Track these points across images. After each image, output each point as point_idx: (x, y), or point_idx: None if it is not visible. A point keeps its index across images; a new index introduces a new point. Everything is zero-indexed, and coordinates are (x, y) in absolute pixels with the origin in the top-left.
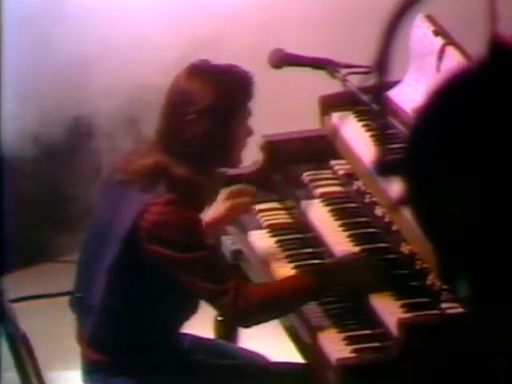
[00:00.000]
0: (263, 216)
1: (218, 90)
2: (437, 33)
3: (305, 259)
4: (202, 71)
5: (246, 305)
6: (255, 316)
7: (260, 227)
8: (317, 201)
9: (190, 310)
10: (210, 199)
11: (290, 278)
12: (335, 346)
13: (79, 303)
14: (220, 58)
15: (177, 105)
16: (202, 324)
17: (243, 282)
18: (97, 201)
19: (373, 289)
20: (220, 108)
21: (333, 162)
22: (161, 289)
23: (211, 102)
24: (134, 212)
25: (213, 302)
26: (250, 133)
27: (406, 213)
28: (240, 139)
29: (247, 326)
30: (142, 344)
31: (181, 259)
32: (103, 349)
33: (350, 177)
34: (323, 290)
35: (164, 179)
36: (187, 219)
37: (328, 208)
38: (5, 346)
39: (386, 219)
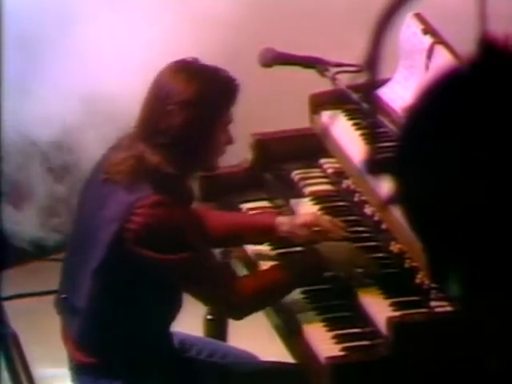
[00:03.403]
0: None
1: (199, 86)
2: (426, 31)
3: None
4: (187, 67)
5: (239, 299)
6: (248, 308)
7: None
8: (306, 199)
9: (175, 308)
10: (190, 199)
11: (276, 267)
12: (324, 344)
13: (65, 304)
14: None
15: (158, 96)
16: (191, 323)
17: (233, 276)
18: (79, 199)
19: (358, 275)
20: (199, 103)
21: (322, 161)
22: (147, 289)
23: (191, 95)
24: (121, 214)
25: (205, 299)
26: (230, 141)
27: (396, 211)
28: (217, 143)
29: (241, 318)
30: (129, 345)
31: (170, 261)
32: (90, 350)
33: (340, 175)
34: (310, 276)
35: (147, 177)
36: (175, 220)
37: (317, 207)
38: None
39: (376, 218)
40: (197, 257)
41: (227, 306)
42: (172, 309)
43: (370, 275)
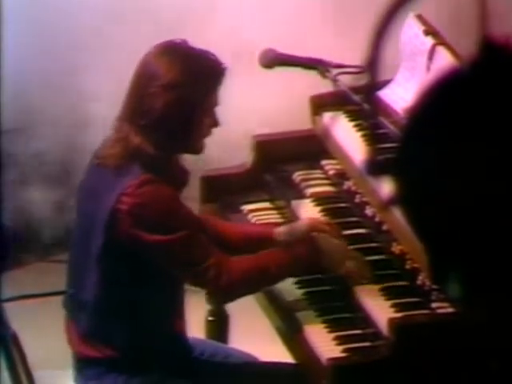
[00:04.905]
0: (254, 216)
1: (184, 68)
2: (427, 32)
3: None
4: (172, 50)
5: (229, 280)
6: (238, 290)
7: None
8: (308, 201)
9: (178, 297)
10: (182, 182)
11: (270, 251)
12: (326, 345)
13: (72, 299)
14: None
15: (142, 77)
16: (192, 324)
17: (224, 257)
18: (79, 191)
19: (351, 274)
20: (181, 86)
21: (324, 162)
22: (149, 275)
23: (175, 77)
24: (113, 197)
25: (196, 280)
26: (215, 124)
27: (397, 213)
28: (201, 125)
29: (231, 300)
30: (134, 337)
31: (161, 241)
32: (97, 343)
33: (341, 177)
34: (303, 264)
35: (136, 159)
36: (164, 197)
37: (319, 208)
38: None
39: (377, 219)
40: (186, 236)
41: (216, 286)
42: (174, 298)
43: (363, 275)
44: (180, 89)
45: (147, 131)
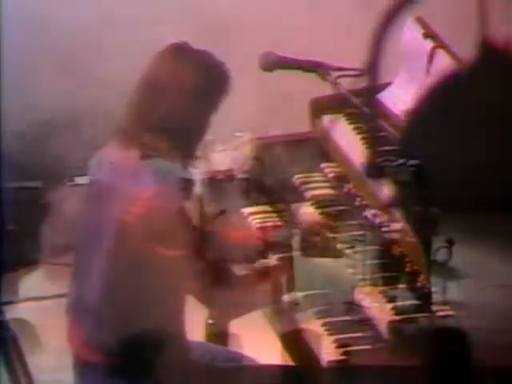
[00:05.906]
0: (254, 219)
1: (202, 72)
2: (427, 35)
3: None
4: (185, 52)
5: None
6: (233, 308)
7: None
8: (307, 203)
9: (180, 302)
10: (189, 189)
11: (265, 270)
12: (326, 348)
13: (76, 303)
14: None
15: (157, 81)
16: (192, 328)
17: (222, 272)
18: (84, 197)
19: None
20: (202, 89)
21: (323, 165)
22: (152, 279)
23: (195, 81)
24: (123, 205)
25: (193, 293)
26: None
27: (397, 215)
28: (205, 128)
29: (229, 317)
30: (137, 341)
31: (164, 255)
32: (99, 346)
33: (341, 179)
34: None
35: (149, 163)
36: (173, 211)
37: (318, 211)
38: None
39: (377, 221)
40: (189, 254)
41: (212, 302)
42: (177, 302)
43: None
44: (198, 92)
45: (162, 133)
